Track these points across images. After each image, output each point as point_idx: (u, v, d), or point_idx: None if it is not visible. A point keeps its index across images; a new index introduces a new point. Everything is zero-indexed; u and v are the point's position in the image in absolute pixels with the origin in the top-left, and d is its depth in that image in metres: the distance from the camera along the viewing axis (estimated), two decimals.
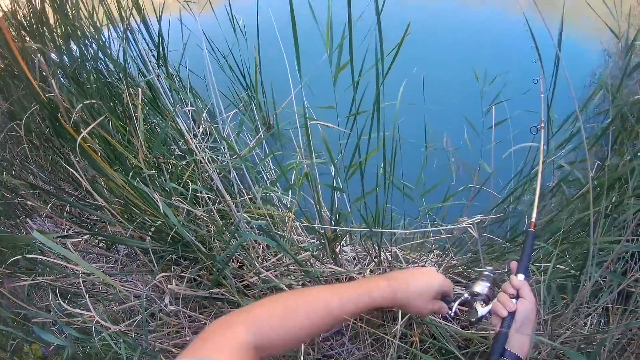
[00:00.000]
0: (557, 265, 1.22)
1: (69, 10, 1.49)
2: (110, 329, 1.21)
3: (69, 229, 1.68)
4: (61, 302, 1.30)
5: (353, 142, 0.93)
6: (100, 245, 1.54)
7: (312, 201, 1.00)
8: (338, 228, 0.98)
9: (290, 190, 1.04)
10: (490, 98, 1.09)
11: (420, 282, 0.59)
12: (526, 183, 1.09)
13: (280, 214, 1.02)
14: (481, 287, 0.64)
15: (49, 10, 1.56)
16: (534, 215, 0.73)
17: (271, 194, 1.08)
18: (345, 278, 1.03)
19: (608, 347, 0.91)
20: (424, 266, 0.67)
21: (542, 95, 1.03)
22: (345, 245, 1.10)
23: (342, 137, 0.95)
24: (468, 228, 0.99)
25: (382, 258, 1.01)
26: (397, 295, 0.57)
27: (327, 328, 0.53)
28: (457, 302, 0.64)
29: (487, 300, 0.63)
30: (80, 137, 1.04)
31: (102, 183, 1.37)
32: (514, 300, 0.58)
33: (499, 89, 1.10)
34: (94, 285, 1.47)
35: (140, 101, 1.27)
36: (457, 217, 1.02)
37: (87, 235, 1.54)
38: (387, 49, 0.81)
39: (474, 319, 0.64)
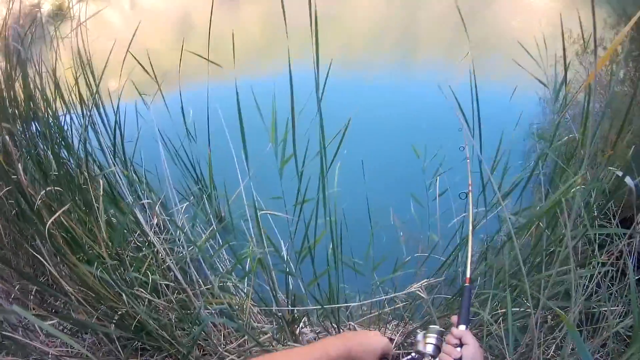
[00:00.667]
0: (513, 309, 1.29)
1: (32, 92, 1.51)
2: None
3: (35, 313, 1.64)
4: None
5: (302, 228, 1.00)
6: (65, 331, 1.52)
7: (267, 287, 1.04)
8: (294, 309, 1.02)
9: (246, 278, 1.08)
10: (432, 170, 1.18)
11: (370, 340, 0.66)
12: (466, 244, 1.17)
13: (237, 300, 1.06)
14: (428, 347, 0.69)
15: (18, 89, 1.55)
16: (468, 271, 0.81)
17: (228, 283, 1.12)
18: None
19: None
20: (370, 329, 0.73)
21: (468, 161, 1.11)
22: (304, 326, 1.13)
23: (291, 224, 1.01)
24: (417, 292, 1.05)
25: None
26: (350, 353, 0.63)
27: None
28: None
29: (435, 355, 0.68)
30: (49, 223, 1.06)
31: (65, 271, 1.38)
32: (458, 349, 0.64)
33: (439, 160, 1.19)
34: None
35: (101, 193, 1.30)
36: (407, 285, 1.09)
37: (52, 318, 1.51)
38: (330, 136, 0.89)
39: None
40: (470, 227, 0.99)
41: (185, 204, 1.11)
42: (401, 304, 1.11)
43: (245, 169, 1.00)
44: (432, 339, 0.70)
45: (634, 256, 1.17)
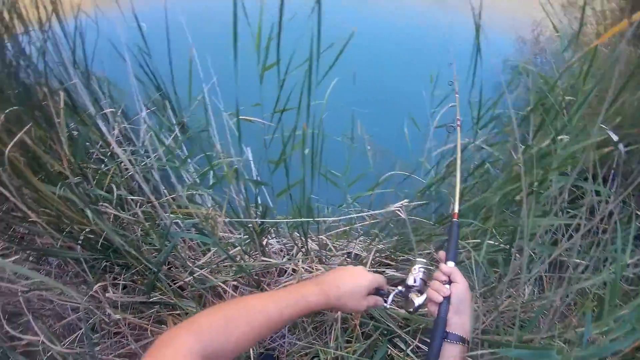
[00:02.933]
0: (487, 241, 1.31)
1: None
2: (56, 346, 1.19)
3: (2, 247, 1.61)
4: (5, 326, 1.25)
5: (277, 138, 0.96)
6: (30, 259, 1.49)
7: (236, 197, 1.02)
8: (267, 220, 1.00)
9: (214, 189, 1.05)
10: (425, 98, 1.14)
11: (350, 282, 0.64)
12: (449, 168, 1.16)
13: (205, 212, 1.03)
14: (414, 278, 0.68)
15: None
16: (456, 206, 0.79)
17: (194, 194, 1.09)
18: (276, 270, 1.06)
19: (552, 311, 0.98)
20: (354, 265, 0.72)
21: (457, 95, 1.08)
22: (270, 238, 1.13)
23: (268, 131, 0.97)
24: (397, 211, 1.05)
25: (309, 247, 1.05)
26: (329, 299, 0.61)
27: (267, 334, 0.56)
28: (391, 295, 0.69)
29: (421, 290, 0.67)
30: (8, 148, 1.00)
31: (27, 194, 1.33)
32: (447, 286, 0.62)
33: (432, 89, 1.15)
34: (29, 303, 1.42)
35: (62, 106, 1.24)
36: (384, 205, 1.07)
37: (17, 250, 1.48)
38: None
39: (411, 309, 0.67)
40: (458, 161, 0.97)
41: (145, 112, 1.04)
42: (372, 221, 1.10)
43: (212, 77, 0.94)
44: (418, 272, 0.69)
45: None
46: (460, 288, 0.62)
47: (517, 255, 1.46)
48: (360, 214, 1.04)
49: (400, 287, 0.70)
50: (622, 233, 0.81)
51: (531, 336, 1.03)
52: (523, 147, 1.32)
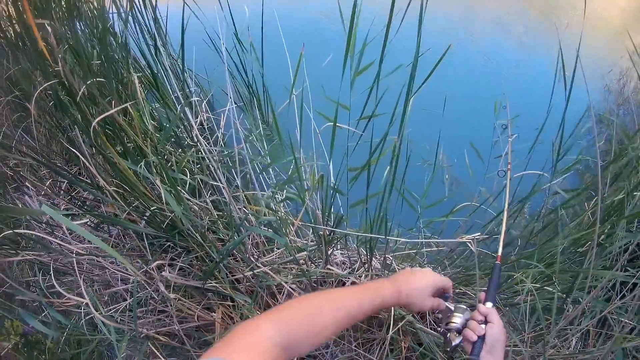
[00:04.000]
0: (545, 287, 1.28)
1: None
2: (99, 312, 1.23)
3: (64, 207, 1.68)
4: (53, 280, 1.30)
5: (360, 147, 0.96)
6: (89, 224, 1.55)
7: (311, 204, 1.03)
8: (338, 230, 1.01)
9: (284, 191, 1.06)
10: (500, 130, 1.13)
11: (421, 279, 0.67)
12: (519, 207, 1.14)
13: (282, 214, 1.05)
14: (456, 319, 0.70)
15: None
16: (500, 249, 0.81)
17: (275, 195, 1.11)
18: (335, 281, 1.06)
19: None
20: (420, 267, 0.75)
21: (510, 139, 1.07)
22: (337, 249, 1.13)
23: (351, 139, 0.97)
24: (468, 243, 1.04)
25: (372, 264, 1.05)
26: (401, 296, 0.64)
27: (346, 327, 0.59)
28: (454, 305, 0.71)
29: (460, 330, 0.68)
30: (96, 121, 1.05)
31: (99, 163, 1.39)
32: (482, 326, 0.64)
33: (513, 122, 1.14)
34: (79, 265, 1.48)
35: (137, 82, 1.28)
36: (451, 234, 1.06)
37: (83, 213, 1.54)
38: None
39: (448, 349, 0.69)
40: (506, 206, 0.97)
41: (233, 105, 1.07)
42: (439, 248, 1.09)
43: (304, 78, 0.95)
44: (459, 315, 0.70)
45: None
46: (495, 329, 0.63)
47: (571, 306, 1.41)
48: (430, 240, 1.03)
49: (441, 327, 0.72)
50: None
51: None
52: (596, 197, 1.28)
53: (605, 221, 1.24)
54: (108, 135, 1.33)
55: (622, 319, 1.28)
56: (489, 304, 0.67)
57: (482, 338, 0.63)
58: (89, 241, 1.57)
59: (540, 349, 1.13)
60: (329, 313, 0.54)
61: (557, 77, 1.03)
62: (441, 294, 0.71)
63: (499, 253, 0.79)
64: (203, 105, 1.25)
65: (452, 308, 0.70)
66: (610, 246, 1.24)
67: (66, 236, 1.49)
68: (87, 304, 1.36)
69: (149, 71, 1.45)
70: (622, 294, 1.34)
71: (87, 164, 1.27)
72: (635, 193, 1.24)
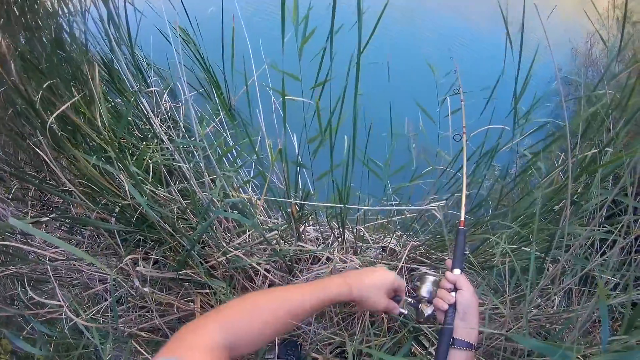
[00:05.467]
0: (522, 248, 1.29)
1: None
2: (80, 316, 1.21)
3: (32, 214, 1.65)
4: (30, 292, 1.29)
5: (316, 118, 0.95)
6: (63, 227, 1.52)
7: (276, 181, 1.02)
8: (307, 203, 1.00)
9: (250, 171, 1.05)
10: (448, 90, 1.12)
11: (374, 278, 0.65)
12: (488, 167, 1.14)
13: (250, 196, 1.04)
14: (423, 290, 0.70)
15: None
16: (462, 214, 0.79)
17: (235, 176, 1.09)
18: (310, 257, 1.06)
19: (578, 326, 0.96)
20: (375, 265, 0.74)
21: (462, 102, 1.06)
22: (308, 225, 1.12)
23: (307, 110, 0.96)
24: (433, 210, 1.03)
25: (345, 237, 1.04)
26: (353, 291, 0.62)
27: (291, 324, 0.57)
28: (403, 302, 0.71)
29: (431, 300, 0.68)
30: (50, 120, 1.02)
31: (64, 165, 1.35)
32: (452, 294, 0.63)
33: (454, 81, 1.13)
34: (56, 271, 1.45)
35: (97, 77, 1.25)
36: (419, 200, 1.06)
37: (50, 219, 1.51)
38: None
39: (421, 319, 0.69)
40: (464, 171, 0.95)
41: (187, 89, 1.05)
42: (410, 215, 1.08)
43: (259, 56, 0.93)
44: (428, 284, 0.70)
45: None
46: (465, 295, 0.63)
47: (550, 265, 1.43)
48: (397, 207, 1.03)
49: (410, 299, 0.71)
50: None
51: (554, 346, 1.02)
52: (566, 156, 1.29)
53: (577, 178, 1.25)
54: (69, 135, 1.30)
55: (605, 276, 1.30)
56: (457, 271, 0.67)
57: (453, 306, 0.62)
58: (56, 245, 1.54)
59: (522, 309, 1.14)
60: (269, 311, 0.54)
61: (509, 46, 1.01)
62: (393, 296, 0.70)
63: (462, 218, 0.78)
64: (165, 96, 1.22)
65: (406, 312, 0.70)
66: (586, 204, 1.25)
67: (40, 244, 1.47)
68: (68, 309, 1.35)
69: (107, 68, 1.42)
70: (602, 251, 1.36)
71: (52, 165, 1.24)
72: (607, 149, 1.25)
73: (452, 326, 0.61)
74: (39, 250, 1.36)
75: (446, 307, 0.63)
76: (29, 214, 1.65)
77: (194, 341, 0.46)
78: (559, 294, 1.58)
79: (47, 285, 1.47)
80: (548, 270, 1.46)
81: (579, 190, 1.30)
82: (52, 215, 1.49)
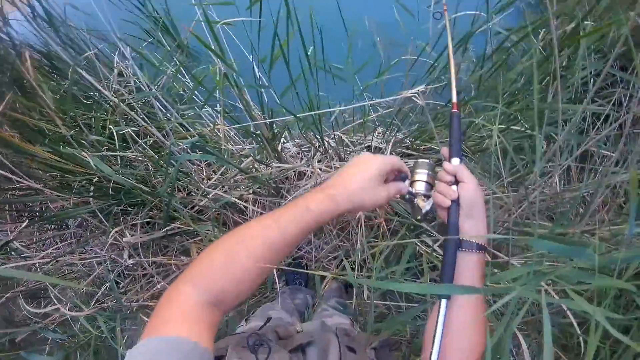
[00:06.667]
0: (511, 127, 1.24)
1: None
2: (82, 311, 1.20)
3: (15, 228, 1.61)
4: (28, 307, 1.27)
5: (264, 34, 0.90)
6: (52, 227, 1.49)
7: (240, 106, 0.96)
8: (272, 120, 0.95)
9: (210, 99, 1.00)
10: None
11: (356, 175, 0.54)
12: (462, 49, 1.08)
13: (209, 127, 0.99)
14: (418, 184, 0.58)
15: None
16: (454, 95, 0.67)
17: (198, 112, 1.04)
18: (295, 174, 1.02)
19: (585, 205, 0.90)
20: (359, 154, 0.60)
21: None
22: (285, 142, 1.08)
23: (250, 32, 0.90)
24: (413, 97, 0.97)
25: (326, 145, 1.00)
26: (338, 202, 0.51)
27: (275, 261, 0.48)
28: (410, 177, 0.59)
29: (428, 194, 0.58)
30: None
31: (33, 166, 1.30)
32: (454, 187, 0.54)
33: None
34: (48, 273, 1.43)
35: (28, 63, 1.18)
36: (395, 92, 1.01)
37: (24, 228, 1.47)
38: None
39: (419, 217, 0.58)
40: (450, 46, 0.86)
41: (127, 49, 0.98)
42: (388, 110, 1.04)
43: None
44: (422, 174, 0.58)
45: None
46: (468, 188, 0.53)
47: (544, 142, 1.39)
48: (371, 102, 0.97)
49: (406, 196, 0.59)
50: None
51: (564, 230, 0.97)
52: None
53: (560, 52, 1.18)
54: (24, 132, 1.24)
55: (603, 151, 1.25)
56: (456, 160, 0.56)
57: (456, 202, 0.53)
58: (49, 245, 1.51)
59: (523, 192, 1.08)
60: (246, 251, 0.46)
61: None
62: (396, 175, 0.58)
63: (454, 100, 0.65)
64: (115, 58, 1.15)
65: (413, 190, 0.57)
66: (572, 77, 1.19)
67: (26, 251, 1.44)
68: (73, 306, 1.34)
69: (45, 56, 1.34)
70: (595, 126, 1.31)
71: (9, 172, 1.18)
72: (586, 22, 1.18)
73: (457, 226, 0.52)
74: (26, 263, 1.34)
75: (448, 203, 0.53)
76: (13, 229, 1.61)
77: (168, 312, 0.41)
78: (558, 172, 1.55)
79: (48, 292, 1.45)
80: (543, 147, 1.43)
81: (563, 64, 1.23)
82: (25, 224, 1.45)
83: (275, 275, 1.03)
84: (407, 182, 0.59)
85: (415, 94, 0.98)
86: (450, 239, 0.52)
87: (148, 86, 1.06)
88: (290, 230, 0.48)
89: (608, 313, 0.36)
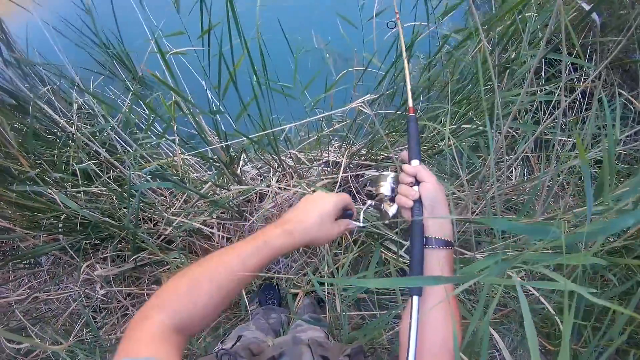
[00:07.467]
0: (463, 125, 1.29)
1: None
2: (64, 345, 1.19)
3: None
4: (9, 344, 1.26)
5: (215, 61, 0.93)
6: (26, 265, 1.48)
7: (195, 132, 0.99)
8: (229, 144, 0.97)
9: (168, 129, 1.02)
10: None
11: (313, 212, 0.57)
12: (409, 54, 1.12)
13: (170, 156, 1.01)
14: (383, 188, 0.62)
15: None
16: (410, 100, 0.70)
17: (160, 144, 1.06)
18: (257, 196, 1.05)
19: (545, 192, 0.94)
20: (313, 192, 0.63)
21: None
22: (244, 165, 1.10)
23: (202, 59, 0.93)
24: (360, 107, 1.01)
25: (284, 165, 1.03)
26: (295, 237, 0.54)
27: (237, 289, 0.51)
28: (362, 212, 0.63)
29: (393, 198, 0.61)
30: None
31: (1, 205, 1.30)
32: (415, 188, 0.56)
33: None
34: (27, 313, 1.42)
35: None
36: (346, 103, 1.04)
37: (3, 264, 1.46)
38: None
39: (387, 221, 0.62)
40: (404, 50, 0.91)
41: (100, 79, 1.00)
42: (342, 124, 1.07)
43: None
44: (385, 181, 0.62)
45: None
46: (428, 187, 0.55)
47: (498, 134, 1.43)
48: (319, 116, 1.00)
49: (370, 201, 0.64)
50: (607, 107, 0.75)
51: (528, 220, 1.00)
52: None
53: (505, 46, 1.23)
54: None
55: (560, 138, 1.30)
56: (415, 162, 0.59)
57: (419, 201, 0.55)
58: (24, 284, 1.50)
59: (483, 188, 1.12)
60: (209, 280, 0.49)
61: None
62: (344, 212, 0.62)
63: (410, 104, 0.68)
64: (74, 93, 1.17)
65: (361, 225, 0.61)
66: (520, 68, 1.23)
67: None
68: (50, 346, 1.32)
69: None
70: (549, 114, 1.36)
71: None
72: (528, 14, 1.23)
73: (422, 224, 0.54)
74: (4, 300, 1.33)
75: (411, 203, 0.55)
76: None
77: (137, 335, 0.43)
78: (516, 165, 1.59)
79: (27, 331, 1.44)
80: (497, 141, 1.47)
81: (511, 57, 1.27)
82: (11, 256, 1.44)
83: (246, 298, 1.05)
84: (364, 208, 0.63)
85: (362, 104, 1.02)
86: (416, 236, 0.53)
87: (106, 119, 1.08)
88: (250, 262, 0.51)
89: (587, 289, 0.32)
